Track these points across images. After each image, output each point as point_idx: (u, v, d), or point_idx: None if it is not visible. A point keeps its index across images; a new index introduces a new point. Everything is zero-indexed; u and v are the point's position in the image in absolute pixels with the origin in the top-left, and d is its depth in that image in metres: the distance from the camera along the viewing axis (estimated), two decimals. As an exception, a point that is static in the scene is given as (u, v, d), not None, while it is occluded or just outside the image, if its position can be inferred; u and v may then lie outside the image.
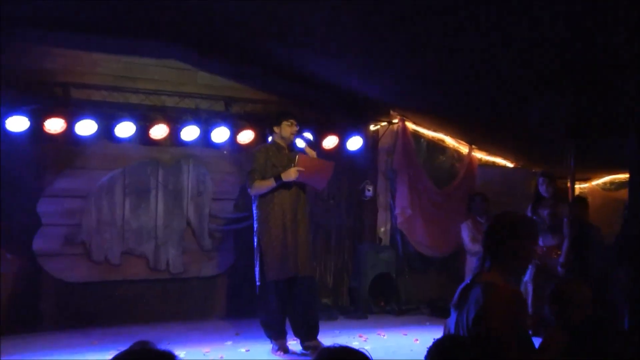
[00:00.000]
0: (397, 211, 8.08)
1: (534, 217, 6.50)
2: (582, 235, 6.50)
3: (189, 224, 7.24)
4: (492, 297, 2.77)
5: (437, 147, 8.63)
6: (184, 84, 7.18)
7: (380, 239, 8.26)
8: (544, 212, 6.58)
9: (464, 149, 8.75)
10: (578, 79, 5.19)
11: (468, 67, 5.67)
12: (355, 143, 7.68)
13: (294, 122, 6.02)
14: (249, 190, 6.01)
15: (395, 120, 8.17)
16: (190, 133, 6.89)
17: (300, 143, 6.28)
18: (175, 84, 7.12)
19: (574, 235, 6.37)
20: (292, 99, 7.49)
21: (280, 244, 5.84)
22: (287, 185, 5.90)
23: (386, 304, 8.05)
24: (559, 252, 6.38)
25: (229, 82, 7.38)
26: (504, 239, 2.94)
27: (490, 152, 8.84)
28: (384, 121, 8.19)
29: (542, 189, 6.61)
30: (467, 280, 3.00)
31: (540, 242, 6.46)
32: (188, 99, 7.05)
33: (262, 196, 5.91)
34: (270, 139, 6.13)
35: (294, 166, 5.83)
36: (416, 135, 8.41)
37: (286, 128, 5.97)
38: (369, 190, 8.00)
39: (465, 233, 7.60)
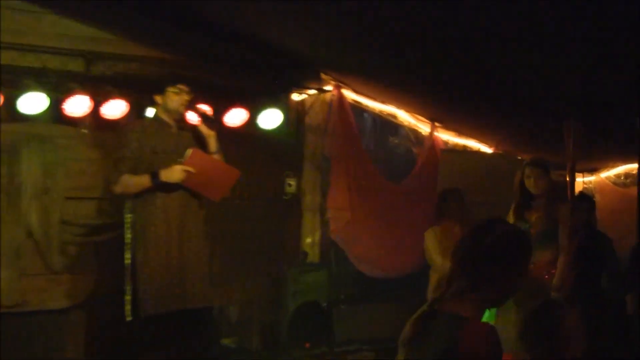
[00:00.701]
0: (331, 215, 7.89)
1: (519, 223, 6.30)
2: (587, 247, 6.30)
3: (30, 234, 6.88)
4: (461, 337, 2.74)
5: (388, 126, 8.55)
6: (24, 33, 6.83)
7: (307, 254, 8.11)
8: (533, 216, 6.38)
9: (424, 127, 8.63)
10: (588, 35, 5.05)
11: (432, 11, 5.32)
12: (271, 119, 7.52)
13: (185, 89, 5.85)
14: (112, 187, 5.80)
15: (329, 88, 8.02)
16: (32, 103, 6.52)
17: (192, 119, 6.05)
18: (12, 32, 6.73)
19: (575, 248, 6.11)
20: (183, 54, 7.30)
21: (163, 263, 5.66)
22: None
23: (314, 345, 7.87)
24: (552, 271, 6.13)
25: (92, 30, 7.07)
26: (485, 260, 2.92)
27: (460, 132, 8.79)
28: (312, 88, 8.06)
29: (531, 184, 6.40)
30: (426, 307, 2.97)
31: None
32: (31, 54, 6.77)
33: (138, 196, 5.73)
34: (150, 112, 6.03)
35: (182, 162, 5.71)
36: (358, 109, 8.25)
37: (173, 97, 5.81)
38: (290, 185, 7.92)
39: (432, 243, 7.36)
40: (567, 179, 6.52)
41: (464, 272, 2.95)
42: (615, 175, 8.96)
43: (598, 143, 7.23)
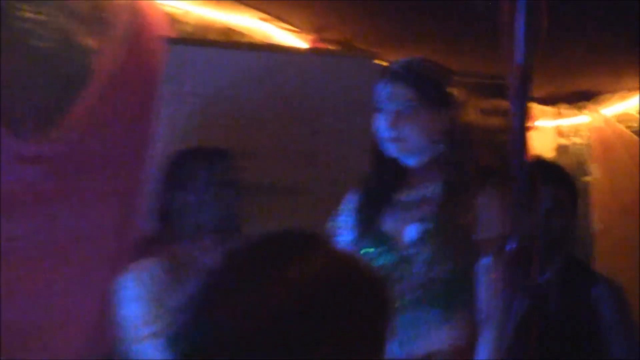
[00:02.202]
0: None
1: (366, 238, 4.80)
2: (556, 311, 5.19)
3: None
4: None
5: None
6: None
7: None
8: (405, 222, 4.86)
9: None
10: None
11: None
12: None
13: None
14: None
15: None
16: None
17: None
18: None
19: (524, 313, 4.11)
20: None
21: None
22: None
23: None
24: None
25: None
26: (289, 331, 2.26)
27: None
28: None
29: (390, 132, 4.51)
30: None
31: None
32: None
33: None
34: None
35: None
36: None
37: None
38: None
39: (141, 305, 5.58)
40: (512, 121, 5.05)
41: None
42: (630, 110, 7.56)
43: (589, 33, 6.74)
